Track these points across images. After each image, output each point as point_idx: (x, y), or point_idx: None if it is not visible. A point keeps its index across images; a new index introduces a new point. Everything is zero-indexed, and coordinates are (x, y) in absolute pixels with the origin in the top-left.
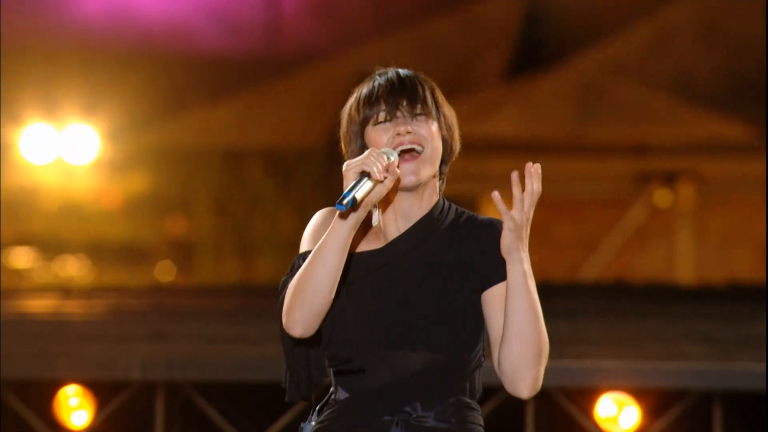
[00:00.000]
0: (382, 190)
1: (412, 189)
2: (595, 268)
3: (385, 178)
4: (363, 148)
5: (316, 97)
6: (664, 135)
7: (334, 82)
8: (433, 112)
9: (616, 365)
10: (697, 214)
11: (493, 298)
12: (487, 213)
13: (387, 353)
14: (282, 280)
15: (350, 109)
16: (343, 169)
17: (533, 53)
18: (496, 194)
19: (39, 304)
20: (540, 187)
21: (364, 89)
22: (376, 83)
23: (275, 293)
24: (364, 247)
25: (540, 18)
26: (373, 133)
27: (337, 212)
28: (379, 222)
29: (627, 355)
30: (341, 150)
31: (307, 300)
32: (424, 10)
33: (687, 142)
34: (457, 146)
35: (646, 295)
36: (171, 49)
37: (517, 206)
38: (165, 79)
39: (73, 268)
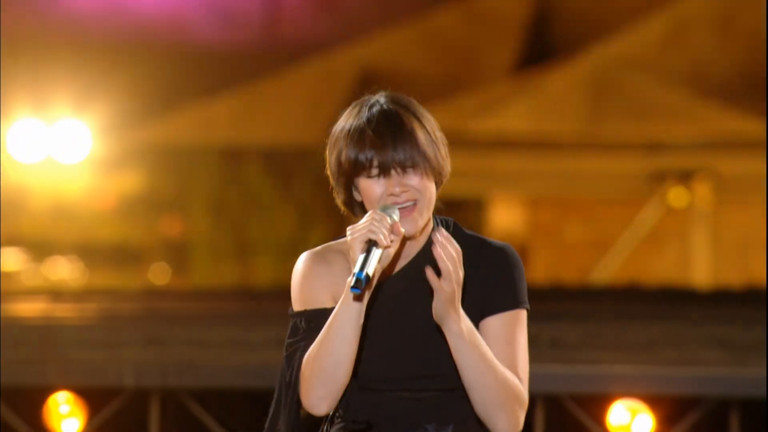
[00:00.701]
0: (390, 253)
1: (411, 237)
2: (607, 271)
3: (392, 241)
4: (353, 190)
5: (318, 92)
6: (679, 131)
7: (337, 77)
8: (423, 163)
9: (629, 371)
10: (713, 214)
11: (486, 328)
12: (495, 212)
13: (391, 395)
14: (285, 342)
15: (339, 151)
16: (348, 238)
17: (543, 46)
18: (428, 270)
19: (28, 308)
20: (458, 248)
21: (353, 131)
22: (365, 131)
23: (274, 296)
24: None
25: (550, 9)
26: (365, 183)
27: (343, 297)
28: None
29: (640, 361)
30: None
31: (329, 377)
32: (430, 2)
33: (703, 138)
34: (447, 167)
35: (661, 299)
36: (166, 43)
37: (446, 278)
38: (160, 73)
39: (63, 271)
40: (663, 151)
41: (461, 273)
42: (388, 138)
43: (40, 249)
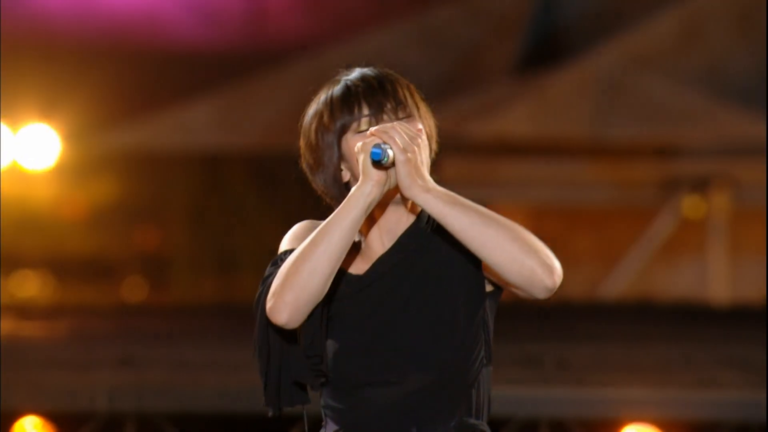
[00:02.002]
0: (378, 191)
1: (398, 201)
2: (617, 286)
3: (411, 156)
4: (340, 160)
5: (305, 95)
6: (694, 136)
7: (326, 79)
8: (416, 112)
9: (641, 394)
10: (731, 224)
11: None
12: None
13: (376, 380)
14: (265, 275)
15: (320, 116)
16: (359, 145)
17: (548, 45)
18: (373, 129)
19: None
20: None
21: (335, 91)
22: (350, 83)
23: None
24: (347, 267)
25: (555, 5)
26: (356, 139)
27: (361, 181)
28: (362, 241)
29: (653, 383)
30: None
31: (302, 281)
32: None
33: (720, 143)
34: (435, 141)
35: (675, 317)
36: (142, 42)
37: (400, 140)
38: (135, 74)
39: (32, 286)
40: (677, 156)
41: (421, 140)
42: (377, 85)
43: (6, 263)
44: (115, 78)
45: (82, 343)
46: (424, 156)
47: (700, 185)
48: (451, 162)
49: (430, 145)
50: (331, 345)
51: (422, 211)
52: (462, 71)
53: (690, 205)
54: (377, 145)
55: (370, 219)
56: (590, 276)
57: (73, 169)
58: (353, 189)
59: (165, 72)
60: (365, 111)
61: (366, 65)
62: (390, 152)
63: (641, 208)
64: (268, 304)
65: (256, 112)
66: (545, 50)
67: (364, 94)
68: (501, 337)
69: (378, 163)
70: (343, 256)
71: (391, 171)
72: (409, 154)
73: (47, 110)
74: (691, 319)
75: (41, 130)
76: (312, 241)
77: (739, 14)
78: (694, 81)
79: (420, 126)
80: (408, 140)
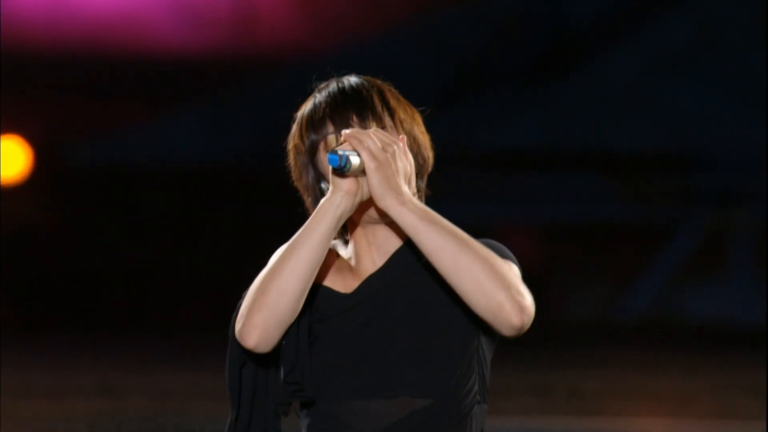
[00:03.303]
0: (349, 202)
1: (381, 219)
2: (633, 309)
3: (384, 163)
4: (318, 179)
5: (297, 105)
6: (717, 146)
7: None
8: (393, 122)
9: (660, 425)
10: (758, 241)
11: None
12: (508, 239)
13: (361, 406)
14: (243, 296)
15: (293, 137)
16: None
17: (558, 49)
18: (345, 132)
19: None
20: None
21: (305, 110)
22: (317, 100)
23: None
24: (334, 285)
25: (566, 7)
26: (326, 159)
27: (329, 192)
28: (352, 257)
29: (673, 413)
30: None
31: (270, 302)
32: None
33: (745, 153)
34: (428, 153)
35: (697, 341)
36: (120, 46)
37: (372, 145)
38: (113, 81)
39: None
40: (698, 169)
41: (397, 148)
42: (341, 97)
43: None
44: (91, 85)
45: (58, 370)
46: (400, 165)
47: (724, 199)
48: (454, 175)
49: (417, 155)
50: (315, 366)
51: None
52: (468, 78)
53: (713, 220)
54: (333, 151)
55: (361, 233)
56: (605, 298)
57: (47, 183)
58: (322, 201)
59: (146, 79)
60: (329, 129)
61: (345, 74)
62: (354, 159)
63: (660, 224)
64: (237, 327)
65: (244, 123)
66: (554, 54)
67: (330, 110)
68: (508, 364)
69: (339, 171)
70: (315, 273)
71: (363, 180)
72: (380, 161)
73: (17, 120)
74: (714, 344)
75: (10, 142)
76: (280, 259)
77: (763, 14)
78: (717, 87)
79: (401, 135)
80: (380, 146)
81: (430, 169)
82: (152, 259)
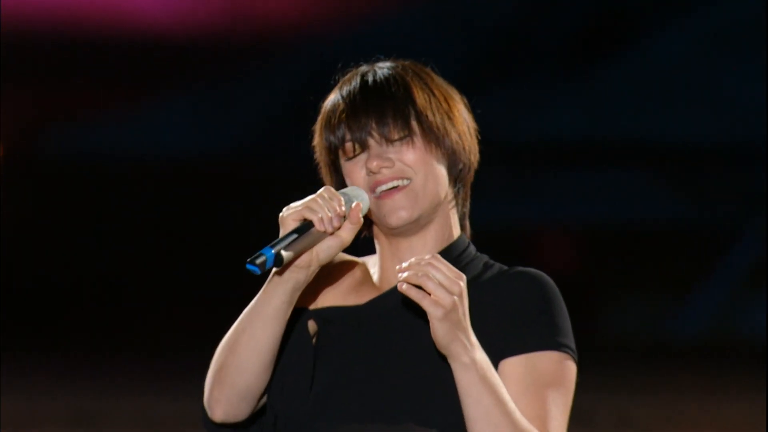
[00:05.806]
0: (333, 245)
1: (406, 231)
2: (688, 325)
3: (338, 228)
4: (343, 183)
5: (301, 92)
6: None
7: (322, 76)
8: (418, 130)
9: None
10: None
11: (503, 375)
12: (540, 245)
13: (360, 428)
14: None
15: (315, 134)
16: (281, 214)
17: (604, 25)
18: (403, 285)
19: None
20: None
21: (327, 101)
22: (336, 99)
23: None
24: (347, 300)
25: None
26: (346, 168)
27: (273, 271)
28: (375, 270)
29: None
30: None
31: (228, 378)
32: None
33: None
34: (469, 157)
35: (759, 362)
36: (99, 26)
37: (436, 289)
38: (91, 65)
39: None
40: (761, 164)
41: (463, 285)
42: (361, 101)
43: None
44: (65, 68)
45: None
46: (466, 304)
47: None
48: (485, 171)
49: (452, 166)
50: (315, 383)
51: (453, 244)
52: (497, 61)
53: None
54: (251, 260)
55: (385, 243)
56: (655, 312)
57: (16, 178)
58: (270, 275)
59: (128, 63)
60: (347, 136)
61: (374, 59)
62: (289, 249)
63: (721, 228)
64: (204, 394)
65: (241, 112)
66: (599, 30)
67: (347, 115)
68: None
69: (276, 267)
70: (277, 345)
71: (319, 247)
72: (447, 309)
73: None
74: None
75: None
76: (235, 332)
77: None
78: None
79: (421, 147)
80: (446, 290)
81: (472, 171)
82: (134, 266)
